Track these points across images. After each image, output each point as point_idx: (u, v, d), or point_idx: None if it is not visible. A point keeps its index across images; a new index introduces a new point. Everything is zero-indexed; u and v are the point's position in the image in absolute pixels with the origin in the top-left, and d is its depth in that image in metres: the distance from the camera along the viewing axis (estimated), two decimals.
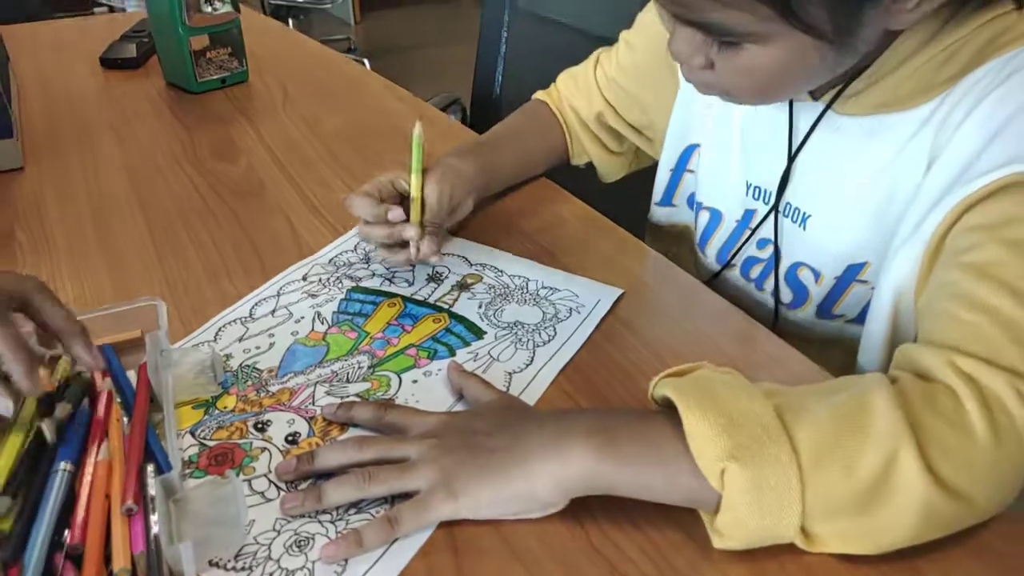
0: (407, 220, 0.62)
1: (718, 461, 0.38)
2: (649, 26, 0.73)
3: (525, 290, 0.62)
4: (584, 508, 0.42)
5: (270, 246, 0.68)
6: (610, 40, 0.79)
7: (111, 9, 3.12)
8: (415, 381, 0.52)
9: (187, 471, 0.45)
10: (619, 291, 0.61)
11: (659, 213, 0.77)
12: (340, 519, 0.42)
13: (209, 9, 0.93)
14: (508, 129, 0.79)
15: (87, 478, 0.41)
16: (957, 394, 0.40)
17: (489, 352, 0.55)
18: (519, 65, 1.19)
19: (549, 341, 0.56)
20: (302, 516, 0.43)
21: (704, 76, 0.53)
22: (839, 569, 0.40)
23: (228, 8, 0.95)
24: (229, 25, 0.97)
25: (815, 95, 0.58)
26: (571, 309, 0.60)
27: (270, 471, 0.45)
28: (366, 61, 3.51)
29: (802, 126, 0.59)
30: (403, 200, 0.64)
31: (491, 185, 0.72)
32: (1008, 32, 0.49)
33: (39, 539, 0.37)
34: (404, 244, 0.63)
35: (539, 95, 0.83)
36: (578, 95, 0.80)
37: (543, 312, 0.59)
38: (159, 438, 0.45)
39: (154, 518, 0.39)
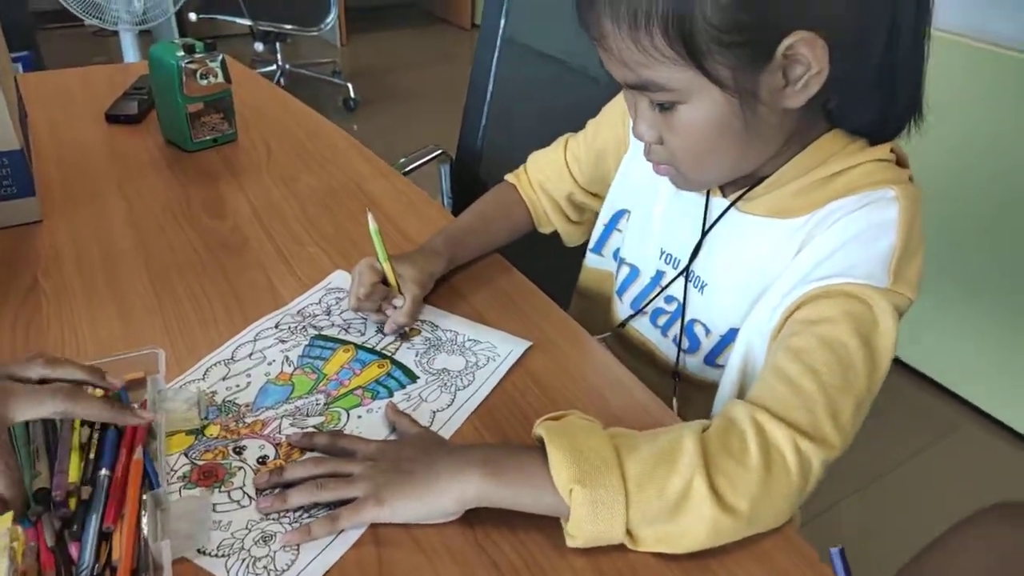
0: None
1: (568, 483, 0.54)
2: (611, 115, 0.90)
3: (454, 342, 0.77)
4: (474, 515, 0.57)
5: (249, 296, 0.83)
6: (590, 74, 1.03)
7: (101, 30, 3.24)
8: (360, 416, 0.68)
9: (182, 484, 0.60)
10: (528, 343, 0.77)
11: (591, 258, 0.94)
12: (295, 521, 0.58)
13: (204, 82, 1.08)
14: (477, 217, 0.94)
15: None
16: (746, 437, 0.56)
17: (420, 394, 0.71)
18: (504, 103, 1.33)
19: (468, 386, 0.72)
20: (270, 516, 0.58)
21: (659, 153, 0.67)
22: (651, 563, 0.56)
23: (220, 80, 1.10)
24: (222, 94, 1.12)
25: (724, 193, 0.74)
26: (488, 358, 0.75)
27: (245, 485, 0.60)
28: (349, 85, 3.67)
29: (712, 215, 0.75)
30: (384, 279, 0.78)
31: (450, 267, 0.87)
32: (874, 175, 0.66)
33: (93, 520, 0.53)
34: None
35: (509, 178, 0.98)
36: (550, 175, 0.95)
37: (466, 360, 0.75)
38: (153, 460, 0.60)
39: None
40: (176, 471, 0.61)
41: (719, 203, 0.74)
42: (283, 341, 0.77)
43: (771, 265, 0.69)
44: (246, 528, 0.57)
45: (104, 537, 0.52)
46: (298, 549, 0.56)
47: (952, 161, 1.70)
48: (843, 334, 0.60)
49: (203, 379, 0.71)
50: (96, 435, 0.60)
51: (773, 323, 0.66)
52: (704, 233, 0.75)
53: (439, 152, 1.34)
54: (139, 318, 0.79)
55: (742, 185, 0.71)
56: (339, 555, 0.55)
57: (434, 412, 0.68)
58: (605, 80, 1.10)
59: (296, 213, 1.00)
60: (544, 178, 0.95)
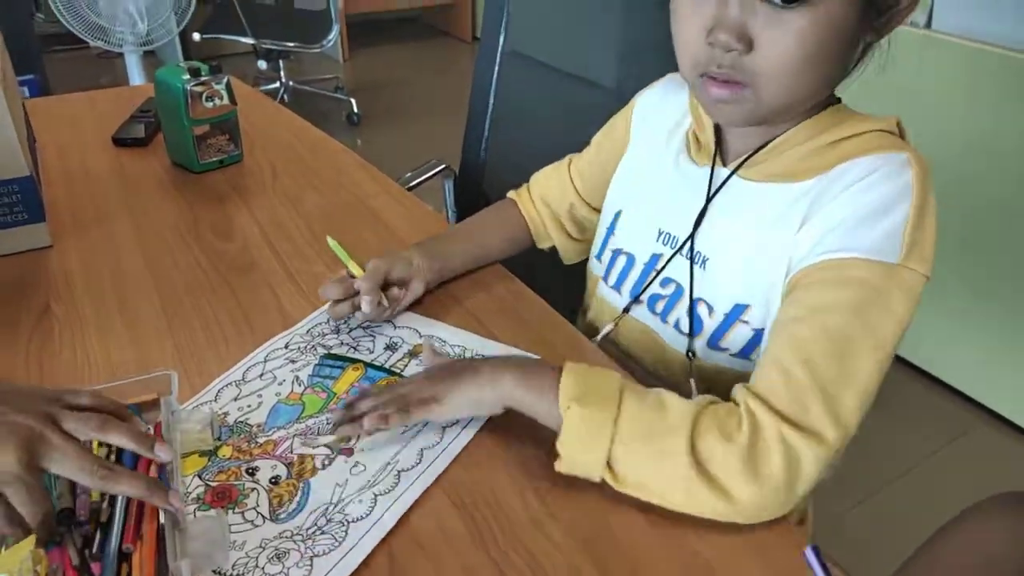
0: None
1: (568, 401, 0.60)
2: (614, 122, 0.91)
3: (462, 357, 0.78)
4: (488, 531, 0.58)
5: (259, 316, 0.84)
6: (590, 80, 1.04)
7: (105, 52, 3.28)
8: (371, 433, 0.68)
9: (196, 505, 0.61)
10: (536, 359, 0.77)
11: (594, 264, 0.94)
12: (308, 538, 0.58)
13: (210, 104, 1.09)
14: (469, 225, 0.97)
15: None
16: (741, 420, 0.59)
17: None
18: (506, 115, 1.35)
19: None
20: (283, 533, 0.58)
21: (741, 65, 0.62)
22: (651, 557, 0.56)
23: (226, 101, 1.12)
24: (227, 116, 1.13)
25: (725, 162, 0.75)
26: None
27: (258, 506, 0.61)
28: (353, 100, 3.69)
29: (713, 186, 0.75)
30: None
31: (443, 272, 0.88)
32: (882, 140, 0.67)
33: (113, 537, 0.54)
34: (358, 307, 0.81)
35: (511, 194, 1.00)
36: (552, 188, 0.96)
37: None
38: (169, 480, 0.61)
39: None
40: (189, 493, 0.62)
41: (722, 174, 0.75)
42: (293, 361, 0.77)
43: (776, 230, 0.69)
44: (260, 546, 0.58)
45: (124, 557, 0.53)
46: (311, 564, 0.56)
47: (959, 162, 1.71)
48: (847, 325, 0.61)
49: (215, 400, 0.72)
50: (113, 456, 0.60)
51: (783, 291, 0.68)
52: (709, 199, 0.75)
53: (443, 167, 1.36)
54: (150, 340, 0.80)
55: (744, 151, 0.73)
56: (351, 570, 0.56)
57: (443, 428, 0.69)
58: (607, 84, 1.12)
59: (303, 232, 1.01)
60: (546, 191, 0.96)
